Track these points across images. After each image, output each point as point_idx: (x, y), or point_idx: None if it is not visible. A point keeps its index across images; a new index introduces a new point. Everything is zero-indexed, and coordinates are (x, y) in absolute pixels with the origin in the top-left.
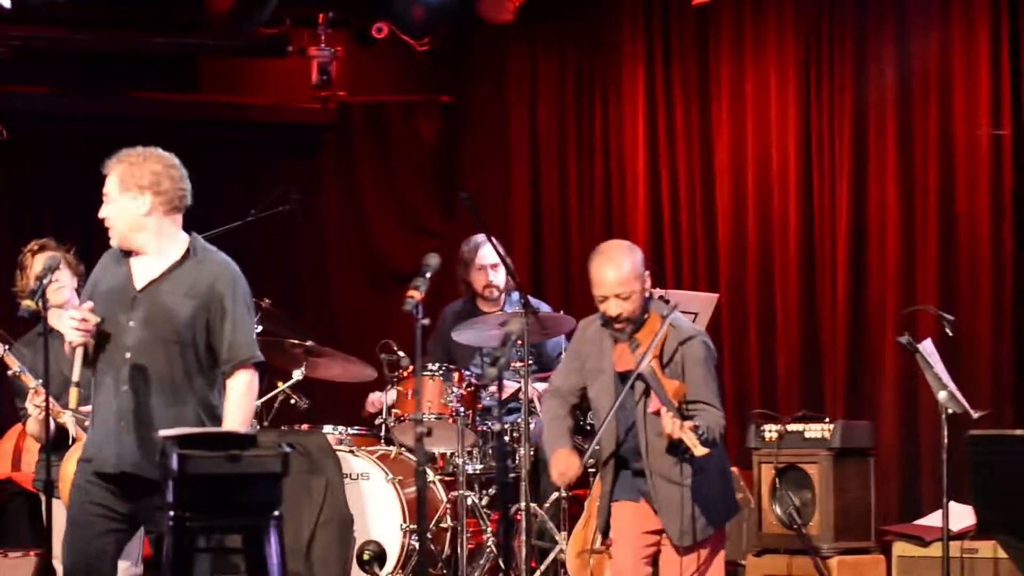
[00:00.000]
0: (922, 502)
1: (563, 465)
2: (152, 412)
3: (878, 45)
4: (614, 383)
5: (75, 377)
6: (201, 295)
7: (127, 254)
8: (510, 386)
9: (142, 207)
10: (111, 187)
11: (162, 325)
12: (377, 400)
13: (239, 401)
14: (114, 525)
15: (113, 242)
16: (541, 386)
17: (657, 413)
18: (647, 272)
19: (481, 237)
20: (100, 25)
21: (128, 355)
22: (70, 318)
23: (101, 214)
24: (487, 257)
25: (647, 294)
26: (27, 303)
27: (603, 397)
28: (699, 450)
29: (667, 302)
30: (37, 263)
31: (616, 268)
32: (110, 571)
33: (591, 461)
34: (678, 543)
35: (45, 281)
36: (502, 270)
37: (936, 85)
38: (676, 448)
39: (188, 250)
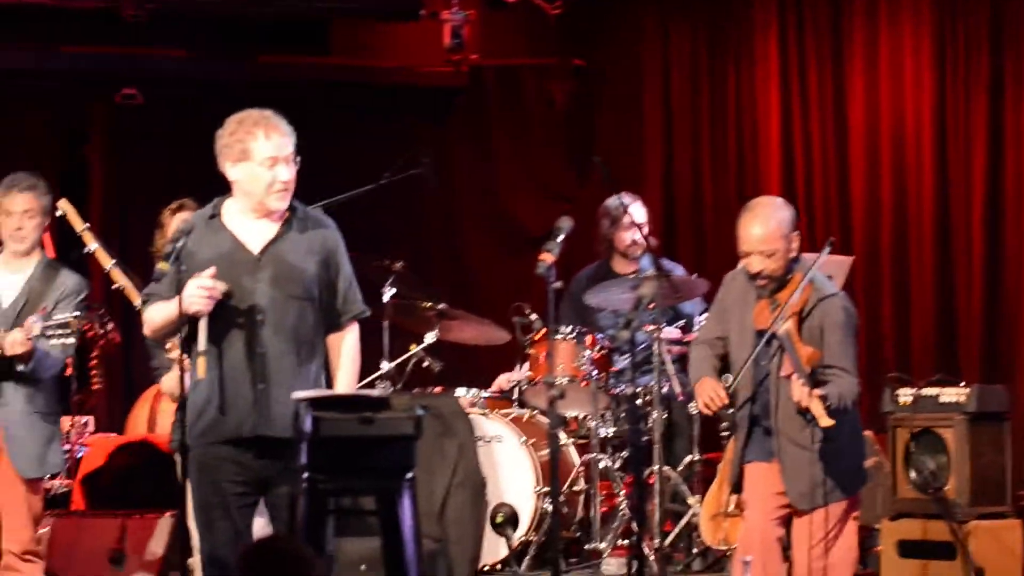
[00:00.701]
0: None
1: (709, 392)
2: (290, 371)
3: (1015, 6)
4: (752, 339)
5: (202, 347)
6: (317, 251)
7: (214, 219)
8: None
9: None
10: (292, 147)
11: (292, 284)
12: (505, 381)
13: (355, 353)
14: (248, 499)
15: (283, 204)
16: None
17: (788, 377)
18: (796, 232)
19: (629, 196)
20: None
21: (260, 316)
22: (198, 287)
23: (291, 175)
24: (637, 215)
25: (793, 254)
26: (161, 265)
27: (741, 351)
28: (824, 421)
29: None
30: (174, 223)
31: (762, 224)
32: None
33: (724, 424)
34: (798, 506)
35: (179, 244)
36: (646, 231)
37: None
38: (804, 414)
39: (292, 209)
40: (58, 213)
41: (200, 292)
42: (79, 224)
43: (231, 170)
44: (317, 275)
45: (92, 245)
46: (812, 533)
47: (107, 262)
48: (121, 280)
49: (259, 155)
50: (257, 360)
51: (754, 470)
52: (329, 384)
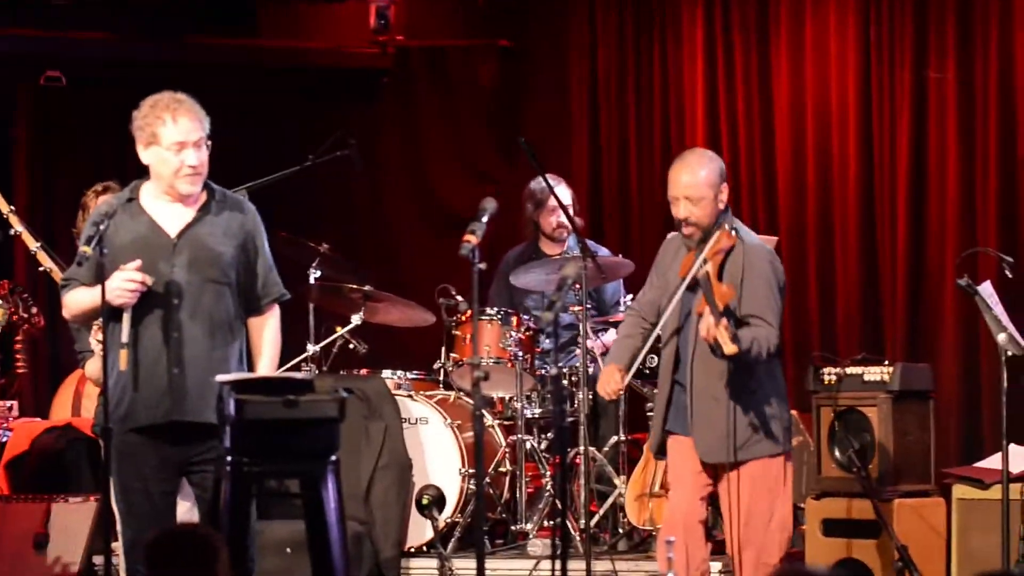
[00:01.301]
0: (982, 445)
1: (604, 379)
2: (206, 356)
3: None
4: (681, 292)
5: (124, 339)
6: (236, 234)
7: (131, 202)
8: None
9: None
10: (202, 132)
11: (209, 267)
12: None
13: (275, 335)
14: (169, 484)
15: (194, 189)
16: (606, 335)
17: (701, 315)
18: (724, 184)
19: (554, 178)
20: None
21: (176, 301)
22: (124, 279)
23: (200, 160)
24: (562, 197)
25: (721, 206)
26: (84, 248)
27: (669, 305)
28: (728, 347)
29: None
30: (98, 206)
31: (690, 172)
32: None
33: (650, 405)
34: (705, 459)
35: (103, 227)
36: (571, 212)
37: (996, 27)
38: (716, 351)
39: (211, 192)
40: None
41: (126, 285)
42: (4, 206)
43: (143, 153)
44: (235, 258)
45: (18, 227)
46: (731, 498)
47: (33, 244)
48: (47, 263)
49: (167, 140)
50: (172, 345)
51: (676, 445)
52: (251, 368)
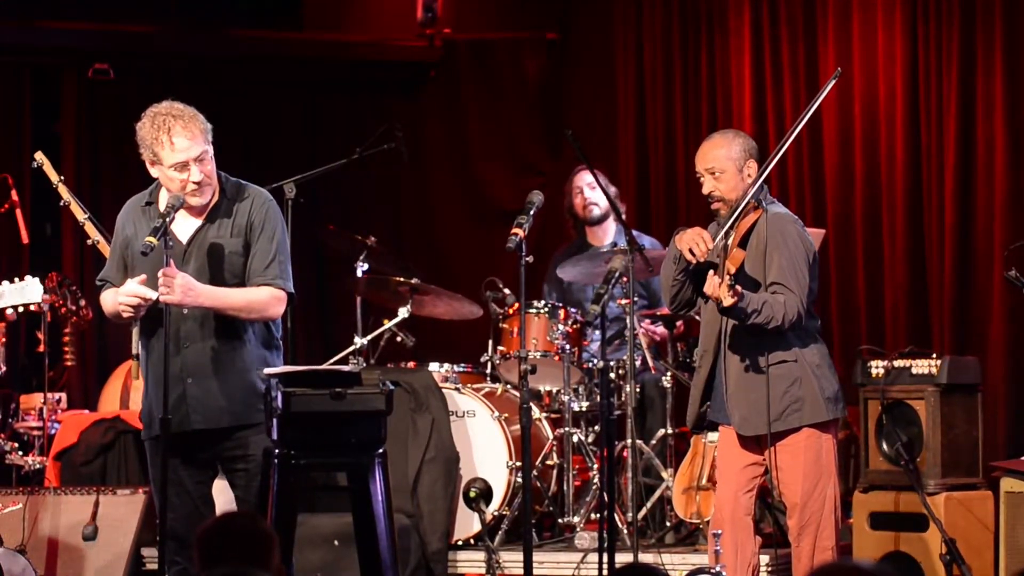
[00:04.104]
0: None
1: (691, 237)
2: (220, 362)
3: None
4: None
5: (136, 349)
6: (242, 229)
7: (150, 206)
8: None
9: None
10: (204, 144)
11: (219, 271)
12: None
13: (257, 295)
14: (203, 476)
15: (201, 201)
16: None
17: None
18: (751, 160)
19: (579, 166)
20: None
21: (186, 310)
22: (131, 295)
23: (204, 172)
24: (582, 178)
25: (746, 181)
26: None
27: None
28: (727, 300)
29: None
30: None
31: (711, 146)
32: (211, 511)
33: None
34: (741, 431)
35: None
36: (599, 191)
37: None
38: (721, 310)
39: (221, 189)
40: (34, 165)
41: (128, 301)
42: (55, 176)
43: (149, 168)
44: (243, 254)
45: (67, 197)
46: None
47: (81, 215)
48: (94, 234)
49: (167, 161)
50: (184, 354)
51: (723, 437)
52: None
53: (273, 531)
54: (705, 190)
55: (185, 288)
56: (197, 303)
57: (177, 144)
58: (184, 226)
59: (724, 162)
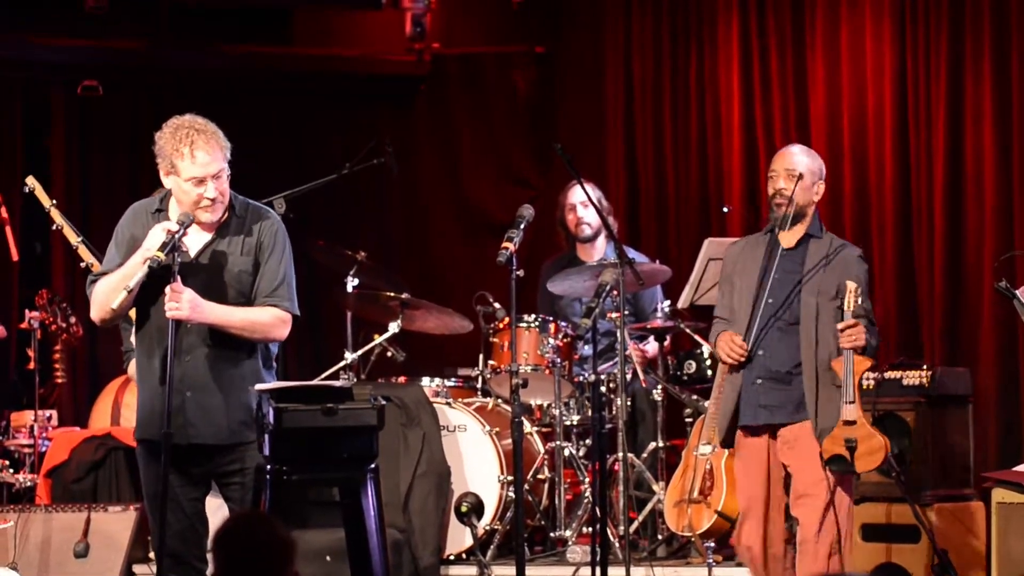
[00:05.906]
0: (1021, 449)
1: (727, 343)
2: (220, 378)
3: None
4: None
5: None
6: (251, 249)
7: (159, 213)
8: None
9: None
10: (223, 162)
11: (225, 287)
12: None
13: (261, 315)
14: (196, 492)
15: (213, 218)
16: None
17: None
18: (822, 182)
19: (588, 185)
20: None
21: (188, 324)
22: (162, 230)
23: (220, 190)
24: (575, 196)
25: (816, 197)
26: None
27: (744, 296)
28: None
29: None
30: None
31: (800, 151)
32: (205, 528)
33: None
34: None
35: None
36: (592, 209)
37: None
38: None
39: (231, 207)
40: (26, 189)
41: (160, 238)
42: (47, 201)
43: (164, 178)
44: (252, 274)
45: (60, 222)
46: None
47: (74, 239)
48: (88, 257)
49: (185, 173)
50: (184, 367)
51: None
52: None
53: (293, 538)
54: (776, 187)
55: (193, 304)
56: (204, 320)
57: (198, 158)
58: (193, 240)
59: (804, 167)
